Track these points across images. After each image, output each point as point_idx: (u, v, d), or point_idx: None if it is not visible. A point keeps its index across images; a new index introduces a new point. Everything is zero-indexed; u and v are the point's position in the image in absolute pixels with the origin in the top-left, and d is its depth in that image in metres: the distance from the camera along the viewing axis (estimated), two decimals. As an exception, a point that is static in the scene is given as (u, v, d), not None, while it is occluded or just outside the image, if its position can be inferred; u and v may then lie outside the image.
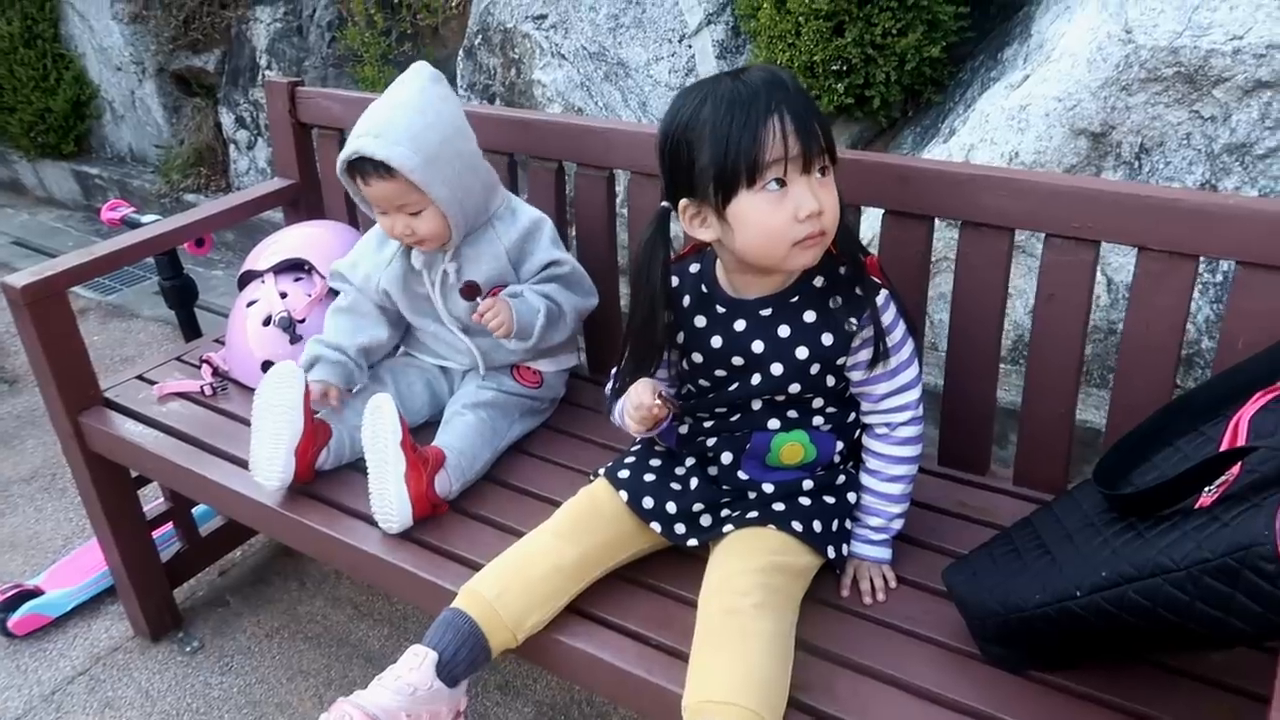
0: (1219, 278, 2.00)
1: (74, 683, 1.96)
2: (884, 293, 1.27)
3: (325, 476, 1.59)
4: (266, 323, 1.85)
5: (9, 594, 2.08)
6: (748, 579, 1.21)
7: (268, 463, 1.51)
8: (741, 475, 1.35)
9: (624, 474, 1.39)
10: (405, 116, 1.48)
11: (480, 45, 2.98)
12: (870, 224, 1.97)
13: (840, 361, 1.29)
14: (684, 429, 1.40)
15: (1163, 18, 1.90)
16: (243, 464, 1.60)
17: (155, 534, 2.03)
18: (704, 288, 1.33)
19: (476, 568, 1.34)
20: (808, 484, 1.35)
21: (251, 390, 1.60)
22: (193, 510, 2.11)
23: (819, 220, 1.17)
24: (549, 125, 1.82)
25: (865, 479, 1.36)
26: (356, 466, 1.58)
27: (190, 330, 2.30)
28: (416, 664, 1.21)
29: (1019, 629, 1.12)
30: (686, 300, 1.34)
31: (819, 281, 1.28)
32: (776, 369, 1.28)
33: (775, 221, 1.16)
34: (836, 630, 1.26)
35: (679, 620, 1.26)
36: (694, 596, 1.25)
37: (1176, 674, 1.15)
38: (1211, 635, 0.96)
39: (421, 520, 1.47)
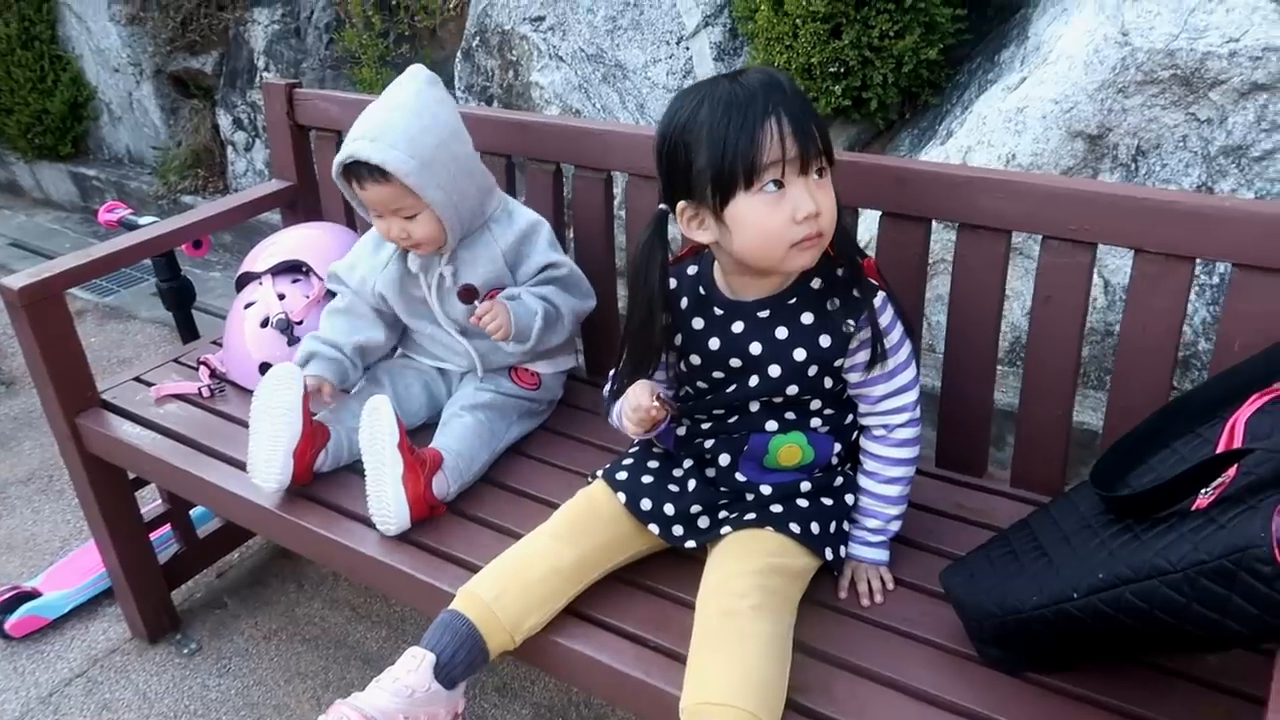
0: (1215, 280, 2.00)
1: (71, 684, 1.96)
2: (881, 294, 1.27)
3: (323, 478, 1.59)
4: (264, 324, 1.85)
5: (6, 596, 2.08)
6: (745, 581, 1.22)
7: (266, 464, 1.51)
8: (739, 477, 1.35)
9: (622, 476, 1.39)
10: (401, 120, 1.48)
11: (478, 47, 2.99)
12: (868, 226, 1.97)
13: (838, 363, 1.29)
14: (682, 431, 1.40)
15: (1159, 20, 1.90)
16: (241, 466, 1.60)
17: (153, 536, 2.03)
18: (702, 290, 1.33)
19: (474, 570, 1.34)
20: (805, 486, 1.35)
21: (249, 392, 1.60)
22: (190, 512, 2.11)
23: (817, 222, 1.17)
24: (547, 127, 1.82)
25: (863, 481, 1.36)
26: (354, 468, 1.58)
27: (188, 332, 2.30)
28: (414, 666, 1.21)
29: (1016, 631, 1.13)
30: (684, 302, 1.34)
31: (817, 283, 1.28)
32: (774, 371, 1.28)
33: (773, 223, 1.17)
34: (834, 632, 1.27)
35: (677, 622, 1.26)
36: (692, 598, 1.25)
37: (1173, 676, 1.15)
38: (1208, 637, 0.96)
39: (419, 522, 1.47)
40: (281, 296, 1.88)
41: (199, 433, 1.76)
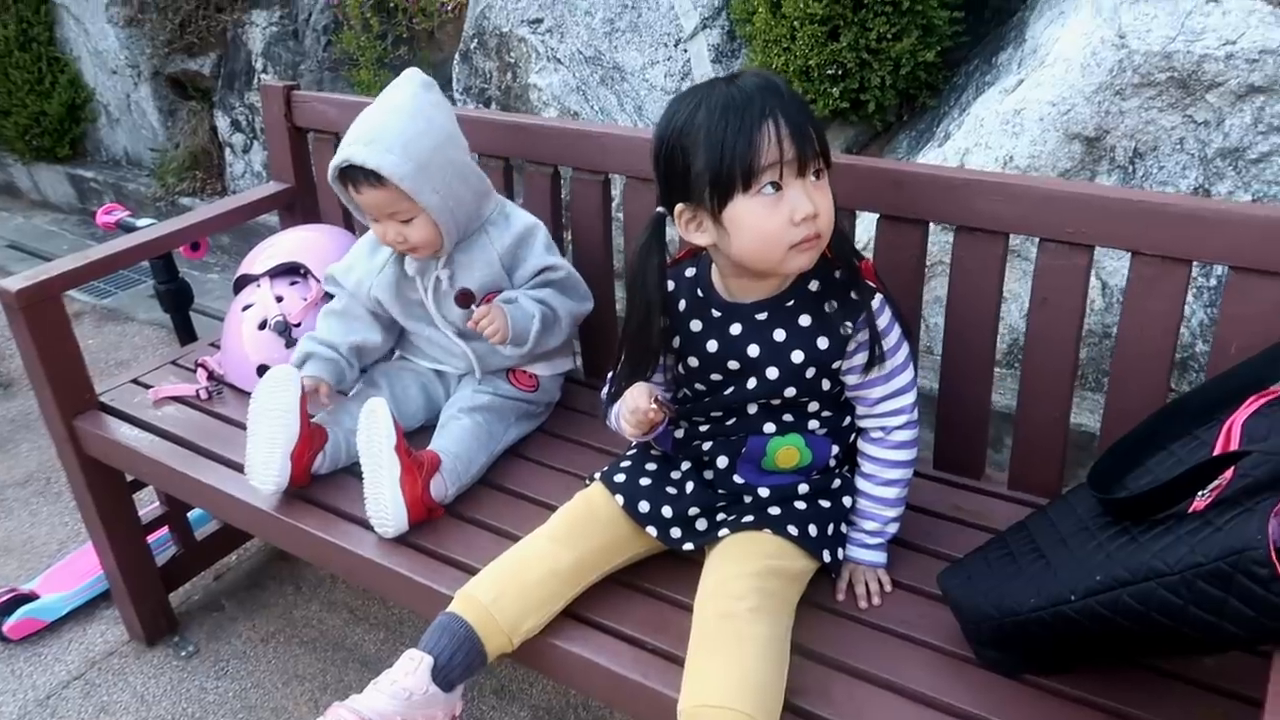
0: (1213, 282, 2.00)
1: (69, 687, 1.96)
2: (879, 297, 1.28)
3: (321, 481, 1.59)
4: (262, 326, 1.85)
5: (4, 598, 2.08)
6: (743, 583, 1.22)
7: (263, 467, 1.51)
8: (737, 479, 1.36)
9: (620, 478, 1.39)
10: (396, 124, 1.48)
11: (476, 49, 2.99)
12: (865, 228, 1.97)
13: (835, 365, 1.29)
14: (680, 433, 1.40)
15: (1156, 23, 1.91)
16: (238, 468, 1.60)
17: (150, 538, 2.02)
18: (699, 292, 1.33)
19: (472, 572, 1.34)
20: (803, 488, 1.35)
21: (247, 394, 1.60)
22: (188, 514, 2.11)
23: (814, 223, 1.17)
24: (545, 129, 1.82)
25: (860, 483, 1.36)
26: (352, 471, 1.58)
27: (185, 334, 2.30)
28: (412, 668, 1.21)
29: (1014, 633, 1.13)
30: (682, 304, 1.34)
31: (814, 286, 1.28)
32: (772, 373, 1.29)
33: (771, 225, 1.17)
34: (832, 634, 1.27)
35: (675, 624, 1.26)
36: (690, 600, 1.25)
37: (1170, 678, 1.15)
38: (1205, 639, 0.96)
39: (417, 524, 1.47)
40: (279, 299, 1.88)
41: (197, 435, 1.76)
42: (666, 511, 1.34)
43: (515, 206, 1.68)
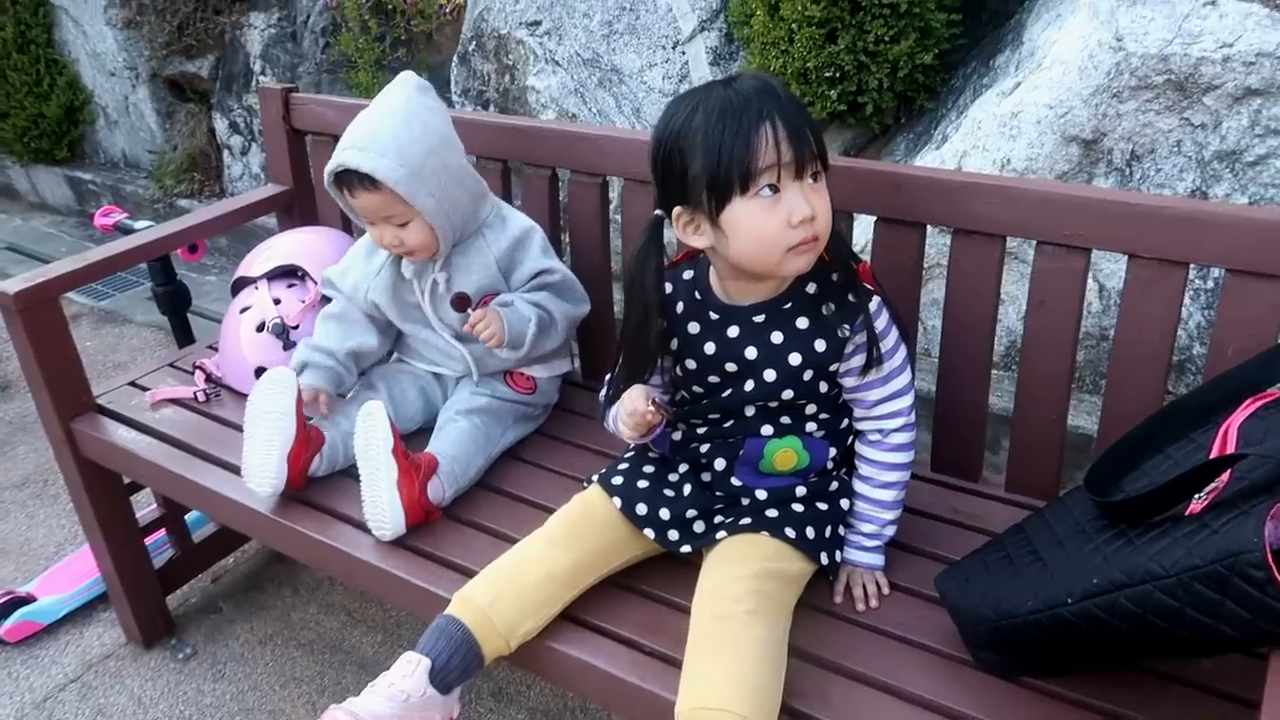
0: (1210, 284, 2.01)
1: (66, 690, 1.96)
2: (876, 299, 1.28)
3: (318, 483, 1.59)
4: (260, 329, 1.85)
5: (1, 601, 2.07)
6: (741, 585, 1.22)
7: (260, 469, 1.51)
8: (735, 481, 1.36)
9: (617, 480, 1.39)
10: (391, 128, 1.48)
11: (474, 51, 2.99)
12: (863, 231, 1.97)
13: (833, 368, 1.29)
14: (677, 435, 1.40)
15: (1153, 26, 1.91)
16: (236, 470, 1.60)
17: (148, 540, 2.02)
18: (697, 294, 1.33)
19: (470, 574, 1.34)
20: (801, 490, 1.35)
21: (245, 396, 1.60)
22: (185, 517, 2.11)
23: (812, 225, 1.18)
24: (543, 132, 1.82)
25: (858, 485, 1.36)
26: (349, 473, 1.58)
27: (183, 336, 2.30)
28: (410, 671, 1.21)
29: (1011, 635, 1.13)
30: (680, 307, 1.34)
31: (812, 288, 1.29)
32: (769, 375, 1.29)
33: (769, 228, 1.17)
34: (829, 637, 1.27)
35: (672, 627, 1.26)
36: (687, 603, 1.25)
37: (1167, 680, 1.15)
38: (1202, 641, 0.97)
39: (414, 527, 1.47)
40: (277, 301, 1.88)
41: (194, 437, 1.76)
42: (664, 514, 1.34)
43: (512, 209, 1.68)
